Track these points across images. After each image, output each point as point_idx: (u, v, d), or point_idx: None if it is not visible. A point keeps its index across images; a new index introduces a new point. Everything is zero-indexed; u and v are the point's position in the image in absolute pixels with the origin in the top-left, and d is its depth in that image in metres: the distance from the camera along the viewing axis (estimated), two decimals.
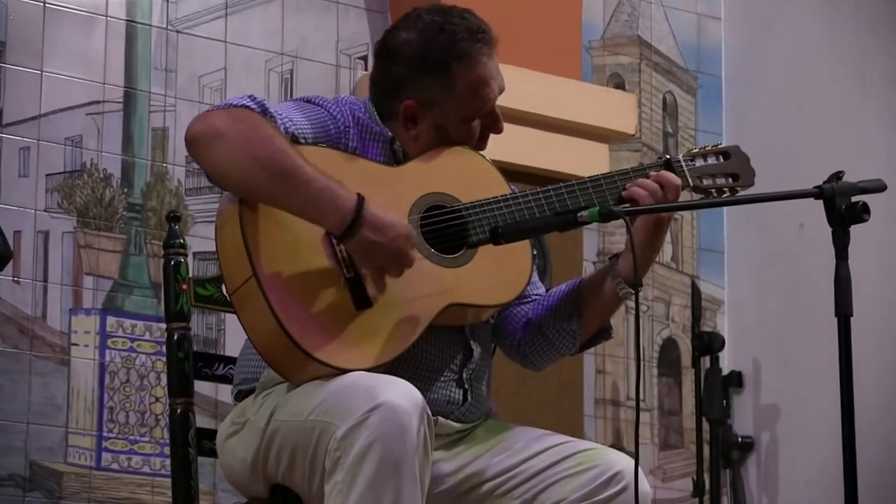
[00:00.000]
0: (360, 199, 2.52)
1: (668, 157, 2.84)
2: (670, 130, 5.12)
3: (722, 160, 2.86)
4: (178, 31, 4.31)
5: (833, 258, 2.43)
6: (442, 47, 2.71)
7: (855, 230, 2.46)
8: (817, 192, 2.48)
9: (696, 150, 2.87)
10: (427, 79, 2.72)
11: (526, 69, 4.33)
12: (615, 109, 4.68)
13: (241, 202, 2.54)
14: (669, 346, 5.01)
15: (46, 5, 4.12)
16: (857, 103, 4.79)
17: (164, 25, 4.29)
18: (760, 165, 2.89)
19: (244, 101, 2.56)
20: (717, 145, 2.90)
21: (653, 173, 2.77)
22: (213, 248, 2.61)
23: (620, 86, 5.01)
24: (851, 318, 2.42)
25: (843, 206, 2.45)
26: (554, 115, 4.51)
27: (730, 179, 2.85)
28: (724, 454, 4.81)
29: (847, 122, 4.80)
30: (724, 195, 2.87)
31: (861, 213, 2.44)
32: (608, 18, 5.04)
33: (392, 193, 2.64)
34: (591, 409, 4.75)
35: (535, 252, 2.82)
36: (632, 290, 2.72)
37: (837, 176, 2.50)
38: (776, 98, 5.04)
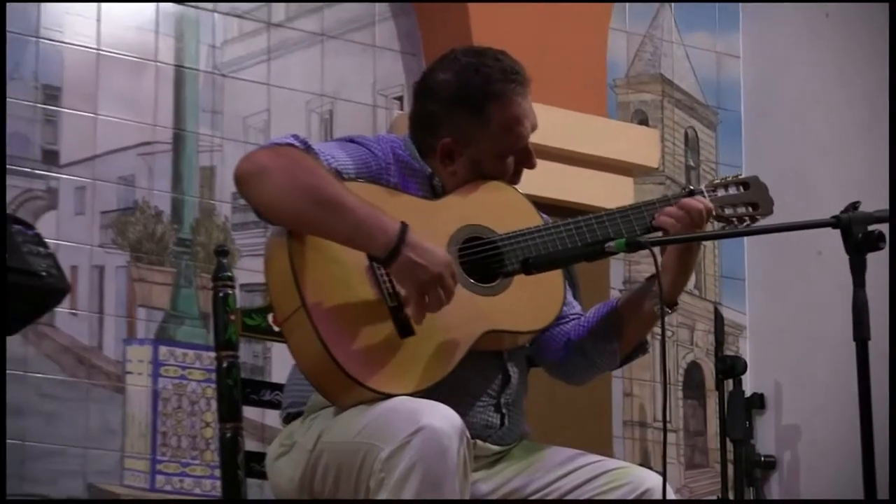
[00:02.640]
0: (404, 224, 2.54)
1: (691, 188, 2.85)
2: (692, 164, 5.14)
3: (742, 190, 2.87)
4: (223, 75, 4.38)
5: (850, 284, 2.43)
6: (477, 88, 2.73)
7: (870, 256, 2.46)
8: (834, 222, 2.48)
9: (718, 181, 2.88)
10: (463, 117, 2.74)
11: (554, 107, 4.39)
12: (639, 144, 4.71)
13: (289, 236, 2.55)
14: (694, 369, 5.04)
15: (100, 52, 4.19)
16: (870, 134, 4.81)
17: (211, 69, 4.36)
18: (779, 195, 2.91)
19: (288, 140, 2.60)
20: (737, 175, 2.91)
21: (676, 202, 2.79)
22: (260, 281, 2.62)
23: (644, 122, 5.04)
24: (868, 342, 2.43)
25: (859, 234, 2.44)
26: (581, 150, 4.57)
27: (750, 208, 2.86)
28: (748, 473, 4.82)
29: (860, 153, 4.83)
30: (745, 223, 2.87)
31: (877, 242, 2.44)
32: (632, 57, 5.08)
33: (431, 225, 2.65)
34: (620, 431, 4.77)
35: (566, 281, 2.84)
36: (666, 308, 2.74)
37: (854, 206, 2.50)
38: (793, 131, 5.06)
